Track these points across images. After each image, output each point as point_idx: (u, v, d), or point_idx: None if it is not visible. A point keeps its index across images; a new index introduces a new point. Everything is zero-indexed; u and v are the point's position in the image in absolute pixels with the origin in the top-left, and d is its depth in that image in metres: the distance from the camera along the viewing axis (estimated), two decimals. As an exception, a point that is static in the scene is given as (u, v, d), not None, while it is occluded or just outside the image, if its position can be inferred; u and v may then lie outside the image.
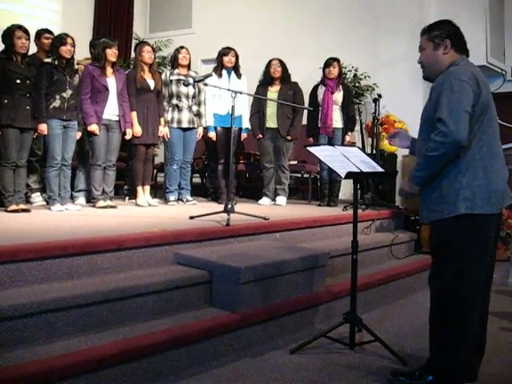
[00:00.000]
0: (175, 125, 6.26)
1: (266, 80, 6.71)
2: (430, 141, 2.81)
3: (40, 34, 6.19)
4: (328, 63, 6.64)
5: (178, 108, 6.28)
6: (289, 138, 6.62)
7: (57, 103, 5.27)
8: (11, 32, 5.06)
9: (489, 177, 2.81)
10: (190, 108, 6.35)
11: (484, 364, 3.13)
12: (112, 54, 5.68)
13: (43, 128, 5.19)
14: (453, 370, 2.91)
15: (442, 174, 2.87)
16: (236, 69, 6.57)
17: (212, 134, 6.52)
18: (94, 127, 5.57)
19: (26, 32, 5.13)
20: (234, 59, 6.52)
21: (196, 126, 6.42)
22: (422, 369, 3.04)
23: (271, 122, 6.65)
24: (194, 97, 6.39)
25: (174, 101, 6.28)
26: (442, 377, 2.94)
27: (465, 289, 2.87)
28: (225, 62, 6.50)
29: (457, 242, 2.88)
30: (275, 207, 6.45)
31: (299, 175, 8.06)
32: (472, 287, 2.87)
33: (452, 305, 2.91)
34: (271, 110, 6.66)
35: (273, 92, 6.64)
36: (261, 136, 6.69)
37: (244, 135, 6.70)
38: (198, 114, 6.45)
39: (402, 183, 3.16)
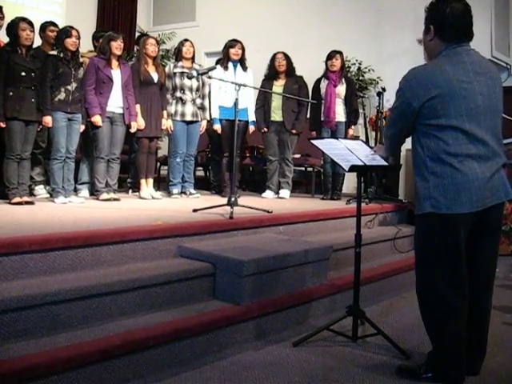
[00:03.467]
0: (179, 118, 6.26)
1: (271, 74, 6.70)
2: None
3: (45, 26, 6.19)
4: (330, 56, 6.64)
5: (182, 101, 6.27)
6: (294, 131, 6.62)
7: (62, 96, 5.29)
8: (15, 24, 5.06)
9: (457, 176, 2.72)
10: (193, 101, 6.34)
11: (486, 358, 3.12)
12: (117, 46, 5.69)
13: (48, 120, 5.20)
14: (448, 366, 2.90)
15: (417, 171, 2.89)
16: (242, 61, 6.56)
17: (217, 127, 6.52)
18: (97, 118, 5.58)
19: (31, 24, 5.12)
20: (240, 52, 6.50)
21: (200, 119, 6.42)
22: (426, 364, 3.05)
23: (276, 115, 6.64)
24: (197, 90, 6.39)
25: (178, 94, 6.28)
26: (438, 373, 2.95)
27: (436, 286, 2.86)
28: (231, 54, 6.47)
29: (425, 239, 2.90)
30: (279, 200, 6.45)
31: (303, 169, 8.05)
32: (443, 285, 2.85)
33: (428, 302, 2.94)
34: (276, 103, 6.65)
35: (278, 86, 6.62)
36: (266, 129, 6.69)
37: (252, 128, 6.69)
38: (202, 107, 6.45)
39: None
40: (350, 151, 3.47)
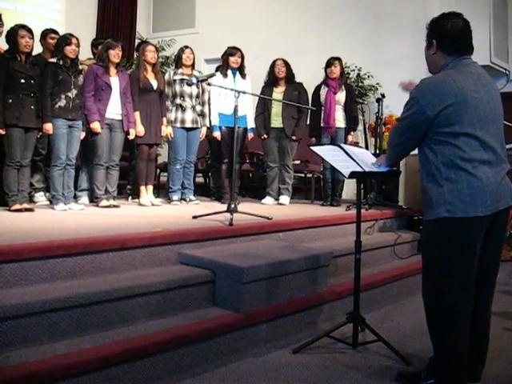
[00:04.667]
0: (179, 124, 6.27)
1: (271, 80, 6.71)
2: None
3: (46, 34, 6.21)
4: (329, 63, 6.66)
5: (182, 108, 6.28)
6: (294, 138, 6.62)
7: (62, 103, 5.30)
8: (15, 31, 5.07)
9: (473, 181, 2.76)
10: (193, 108, 6.35)
11: (487, 364, 3.11)
12: (115, 54, 5.71)
13: (48, 127, 5.21)
14: (450, 373, 2.90)
15: (429, 177, 2.90)
16: (241, 69, 6.57)
17: (217, 134, 6.52)
18: (96, 125, 5.58)
19: (30, 31, 5.13)
20: (239, 60, 6.52)
21: (199, 126, 6.42)
22: (427, 370, 3.04)
23: (276, 121, 6.65)
24: (197, 96, 6.40)
25: (178, 100, 6.29)
26: (440, 379, 2.94)
27: (447, 291, 2.86)
28: (231, 61, 6.49)
29: (440, 244, 2.89)
30: (278, 207, 6.45)
31: (302, 175, 8.05)
32: (455, 290, 2.85)
33: (437, 307, 2.93)
34: (276, 109, 6.66)
35: (278, 93, 6.63)
36: (266, 136, 6.70)
37: (250, 135, 6.70)
38: (202, 114, 6.46)
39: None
40: (350, 157, 3.48)
